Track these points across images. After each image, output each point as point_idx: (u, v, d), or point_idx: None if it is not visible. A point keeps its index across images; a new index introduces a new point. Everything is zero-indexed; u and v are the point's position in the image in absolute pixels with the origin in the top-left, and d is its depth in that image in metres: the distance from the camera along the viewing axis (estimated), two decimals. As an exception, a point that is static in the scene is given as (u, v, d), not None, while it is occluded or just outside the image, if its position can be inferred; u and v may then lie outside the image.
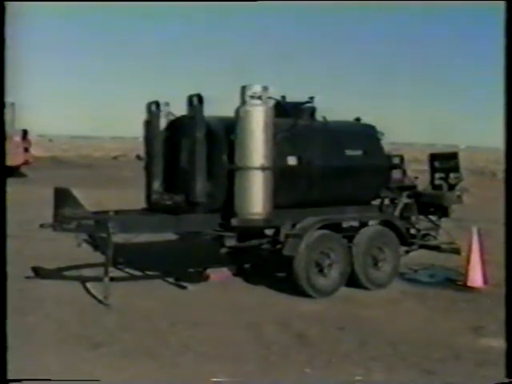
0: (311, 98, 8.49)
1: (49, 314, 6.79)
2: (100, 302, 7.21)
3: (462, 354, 5.85)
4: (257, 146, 7.50)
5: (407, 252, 8.94)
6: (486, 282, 8.34)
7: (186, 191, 7.71)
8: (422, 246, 9.03)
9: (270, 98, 7.76)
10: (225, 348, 5.91)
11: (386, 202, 9.03)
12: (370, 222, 8.59)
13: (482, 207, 14.27)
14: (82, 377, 5.07)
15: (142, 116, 8.47)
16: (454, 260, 9.06)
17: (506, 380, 4.76)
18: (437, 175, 9.25)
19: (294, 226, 7.83)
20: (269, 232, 8.24)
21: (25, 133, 24.93)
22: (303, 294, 7.72)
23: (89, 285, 7.86)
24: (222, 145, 7.71)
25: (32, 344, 5.79)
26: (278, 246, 7.88)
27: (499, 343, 5.73)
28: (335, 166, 8.36)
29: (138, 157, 31.56)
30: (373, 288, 8.19)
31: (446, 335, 6.45)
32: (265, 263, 8.80)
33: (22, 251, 9.25)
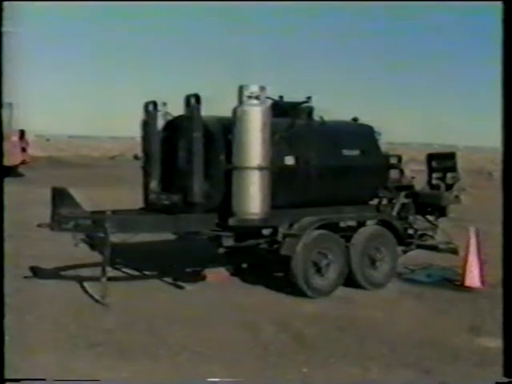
0: (308, 97, 8.49)
1: (46, 313, 6.78)
2: (97, 301, 7.21)
3: (460, 354, 5.86)
4: (254, 146, 7.49)
5: (405, 252, 8.94)
6: (483, 282, 8.34)
7: (183, 191, 7.70)
8: (419, 246, 9.03)
9: (267, 97, 7.76)
10: (222, 348, 5.91)
11: (384, 201, 9.03)
12: (368, 222, 8.59)
13: (479, 207, 14.27)
14: (79, 377, 5.06)
15: (140, 116, 8.47)
16: (451, 260, 9.06)
17: (505, 379, 4.76)
18: (434, 175, 9.25)
19: (291, 225, 7.84)
20: (266, 232, 8.24)
21: (22, 133, 24.87)
22: (301, 293, 7.72)
23: (86, 284, 7.85)
24: (220, 145, 7.70)
25: (29, 343, 5.78)
26: (276, 246, 7.88)
27: (496, 343, 5.73)
28: (333, 166, 8.36)
29: (136, 157, 31.45)
30: (370, 288, 8.19)
31: (444, 335, 6.46)
32: (262, 263, 8.80)
33: (19, 251, 9.23)
